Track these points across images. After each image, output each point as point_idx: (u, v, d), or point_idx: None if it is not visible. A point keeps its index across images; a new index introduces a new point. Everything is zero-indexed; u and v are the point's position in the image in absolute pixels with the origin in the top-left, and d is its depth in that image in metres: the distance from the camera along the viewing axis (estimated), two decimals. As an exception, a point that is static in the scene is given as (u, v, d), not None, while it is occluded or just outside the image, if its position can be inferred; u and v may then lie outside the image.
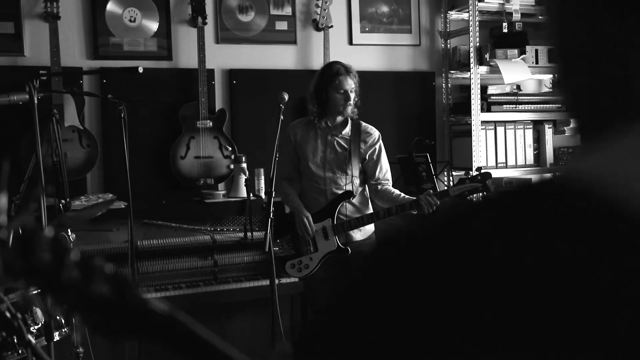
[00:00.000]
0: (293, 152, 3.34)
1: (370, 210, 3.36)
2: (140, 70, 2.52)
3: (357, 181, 3.30)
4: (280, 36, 4.51)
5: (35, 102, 2.34)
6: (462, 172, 4.64)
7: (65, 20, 4.02)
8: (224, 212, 4.02)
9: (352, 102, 3.23)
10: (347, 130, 3.33)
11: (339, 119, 3.29)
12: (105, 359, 3.37)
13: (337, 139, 3.32)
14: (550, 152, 4.71)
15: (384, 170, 3.35)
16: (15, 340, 1.23)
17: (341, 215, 3.29)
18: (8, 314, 1.28)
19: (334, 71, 3.25)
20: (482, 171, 3.26)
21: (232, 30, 4.41)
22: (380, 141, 3.37)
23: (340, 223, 3.27)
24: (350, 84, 3.23)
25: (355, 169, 3.29)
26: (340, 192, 3.29)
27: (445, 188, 3.25)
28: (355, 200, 3.32)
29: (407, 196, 3.23)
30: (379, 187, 3.33)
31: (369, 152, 3.31)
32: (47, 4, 3.92)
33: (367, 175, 3.35)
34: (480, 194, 3.68)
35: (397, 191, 3.30)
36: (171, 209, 4.04)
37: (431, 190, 3.17)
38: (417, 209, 3.11)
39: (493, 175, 4.65)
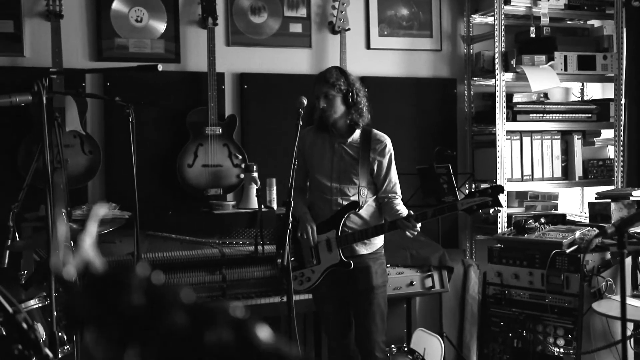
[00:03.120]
0: (302, 160, 3.31)
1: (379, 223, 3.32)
2: (160, 68, 2.48)
3: (365, 192, 3.27)
4: (294, 39, 4.49)
5: (44, 102, 2.31)
6: (486, 185, 4.60)
7: (68, 19, 4.01)
8: (233, 224, 3.99)
9: (326, 108, 3.20)
10: (356, 137, 3.29)
11: (341, 123, 3.25)
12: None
13: (344, 146, 3.28)
14: (579, 165, 4.67)
15: (392, 183, 3.31)
16: (32, 354, 1.19)
17: (347, 228, 3.26)
18: (25, 325, 1.25)
19: (314, 80, 3.31)
20: (494, 184, 3.22)
21: (244, 32, 4.40)
22: (391, 150, 3.31)
23: (344, 235, 3.24)
24: (321, 90, 3.21)
25: (363, 179, 3.25)
26: (346, 203, 3.25)
27: (453, 202, 3.20)
28: (363, 213, 3.28)
29: (402, 212, 3.20)
30: (385, 200, 3.31)
31: (378, 163, 3.27)
32: (49, 2, 3.91)
33: (376, 187, 3.32)
34: (492, 209, 3.65)
35: (397, 207, 3.26)
36: (177, 220, 4.01)
37: (412, 212, 3.13)
38: (400, 230, 3.14)
39: (519, 189, 4.65)
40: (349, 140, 3.28)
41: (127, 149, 3.12)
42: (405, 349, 4.04)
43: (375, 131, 3.33)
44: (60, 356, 2.79)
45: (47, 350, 1.26)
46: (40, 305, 2.89)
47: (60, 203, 2.46)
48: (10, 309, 1.33)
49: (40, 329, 2.76)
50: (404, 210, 3.22)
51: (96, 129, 4.11)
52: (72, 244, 2.74)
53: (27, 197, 3.33)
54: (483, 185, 4.58)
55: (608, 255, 3.70)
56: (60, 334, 2.85)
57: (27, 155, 3.77)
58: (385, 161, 3.29)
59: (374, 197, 3.33)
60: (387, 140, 3.31)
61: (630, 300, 3.18)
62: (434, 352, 4.15)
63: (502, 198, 3.72)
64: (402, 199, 3.35)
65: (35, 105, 2.61)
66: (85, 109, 3.98)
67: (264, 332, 0.66)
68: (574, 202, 5.02)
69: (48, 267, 2.52)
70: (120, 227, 3.39)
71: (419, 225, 3.10)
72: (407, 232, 3.12)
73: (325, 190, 3.30)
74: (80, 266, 0.72)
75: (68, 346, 2.93)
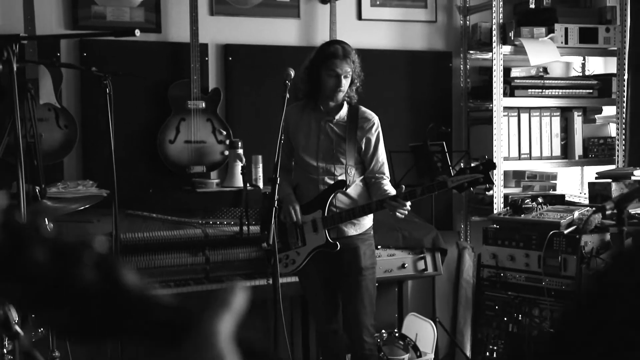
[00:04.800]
0: (287, 138, 3.32)
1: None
2: (137, 33, 2.45)
3: (352, 171, 3.29)
4: (281, 9, 4.46)
5: (15, 69, 2.28)
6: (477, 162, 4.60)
7: (42, -15, 3.95)
8: (217, 203, 3.98)
9: (343, 88, 3.21)
10: (343, 115, 3.30)
11: (332, 103, 3.27)
12: (85, 364, 3.32)
13: (331, 124, 3.30)
14: (579, 143, 4.67)
15: (380, 163, 3.34)
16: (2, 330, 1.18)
17: (334, 208, 3.27)
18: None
19: (330, 52, 3.24)
20: (485, 160, 3.21)
21: (229, 1, 4.36)
22: (379, 129, 3.34)
23: (330, 215, 3.25)
24: (346, 69, 3.20)
25: (350, 158, 3.27)
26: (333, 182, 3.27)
27: (443, 179, 3.21)
28: (351, 192, 3.30)
29: (390, 193, 3.21)
30: (372, 180, 3.33)
31: (366, 141, 3.29)
32: (21, -33, 3.85)
33: (364, 166, 3.34)
34: (484, 186, 3.67)
35: (384, 187, 3.28)
36: (158, 198, 4.00)
37: (404, 187, 3.14)
38: (388, 210, 3.14)
39: (516, 168, 4.66)
40: (336, 117, 3.29)
41: (105, 123, 3.10)
42: (397, 335, 4.06)
43: (363, 109, 3.34)
44: (33, 340, 2.78)
45: (17, 328, 1.25)
46: None
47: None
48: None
49: (13, 311, 2.75)
50: (391, 191, 3.23)
51: (72, 102, 4.07)
52: None
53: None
54: (475, 165, 4.60)
55: (608, 237, 3.71)
56: (33, 316, 2.84)
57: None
58: (373, 139, 3.31)
59: (362, 176, 3.34)
60: (375, 119, 3.34)
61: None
62: (427, 338, 4.17)
63: (495, 174, 3.72)
64: (393, 179, 3.36)
65: (6, 75, 2.58)
66: (61, 80, 3.94)
67: (133, 276, 0.65)
68: (574, 182, 5.03)
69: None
70: (98, 205, 3.37)
71: (408, 203, 3.10)
72: (397, 213, 3.11)
73: (311, 170, 3.31)
74: None
75: (42, 329, 2.92)
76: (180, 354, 0.65)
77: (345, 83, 3.22)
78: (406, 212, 3.13)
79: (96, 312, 0.63)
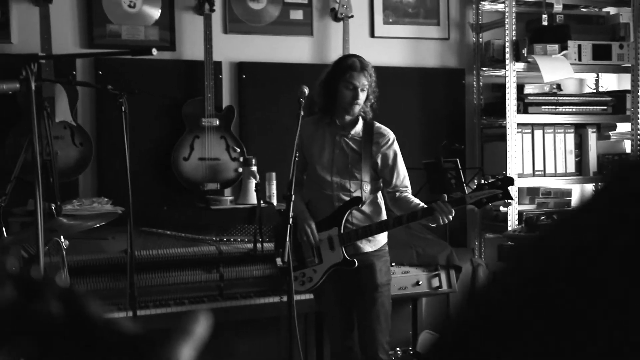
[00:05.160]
0: (301, 154, 3.32)
1: (382, 219, 3.34)
2: (154, 52, 2.47)
3: (367, 187, 3.28)
4: (294, 26, 4.49)
5: (33, 88, 2.30)
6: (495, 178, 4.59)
7: (58, 4, 4.00)
8: (231, 221, 3.98)
9: (360, 101, 3.21)
10: (359, 130, 3.30)
11: (348, 117, 3.27)
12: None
13: (346, 139, 3.30)
14: (593, 160, 4.66)
15: (402, 176, 3.33)
16: None
17: (349, 224, 3.26)
18: None
19: (347, 64, 3.25)
20: (504, 175, 3.22)
21: (242, 19, 4.40)
22: (396, 144, 3.34)
23: (347, 232, 3.24)
24: (363, 81, 3.21)
25: (365, 174, 3.27)
26: (348, 198, 3.26)
27: (461, 195, 3.21)
28: (365, 208, 3.29)
29: (424, 205, 3.21)
30: (397, 194, 3.31)
31: (382, 156, 3.29)
32: (38, -14, 3.90)
33: (384, 182, 3.35)
34: (502, 202, 3.66)
35: (416, 200, 3.28)
36: (173, 216, 4.01)
37: (446, 196, 3.13)
38: (431, 219, 3.11)
39: (530, 185, 4.65)
40: (352, 132, 3.29)
41: (120, 141, 3.11)
42: (411, 352, 4.04)
43: (378, 124, 3.34)
44: None
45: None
46: None
47: None
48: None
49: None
50: (422, 203, 3.22)
51: (87, 119, 4.10)
52: None
53: (14, 190, 3.32)
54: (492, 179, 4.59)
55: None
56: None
57: (14, 146, 3.76)
58: (391, 154, 3.30)
59: (376, 192, 3.34)
60: (391, 134, 3.34)
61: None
62: (441, 355, 4.14)
63: (512, 190, 3.73)
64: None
65: (23, 94, 2.60)
66: (76, 98, 3.98)
67: (95, 306, 0.65)
68: (588, 199, 5.00)
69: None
70: (113, 222, 3.38)
71: (453, 210, 3.08)
72: (442, 219, 3.07)
73: (325, 185, 3.30)
74: None
75: None
76: None
77: (362, 96, 3.22)
78: (447, 221, 3.09)
79: (60, 343, 0.63)
